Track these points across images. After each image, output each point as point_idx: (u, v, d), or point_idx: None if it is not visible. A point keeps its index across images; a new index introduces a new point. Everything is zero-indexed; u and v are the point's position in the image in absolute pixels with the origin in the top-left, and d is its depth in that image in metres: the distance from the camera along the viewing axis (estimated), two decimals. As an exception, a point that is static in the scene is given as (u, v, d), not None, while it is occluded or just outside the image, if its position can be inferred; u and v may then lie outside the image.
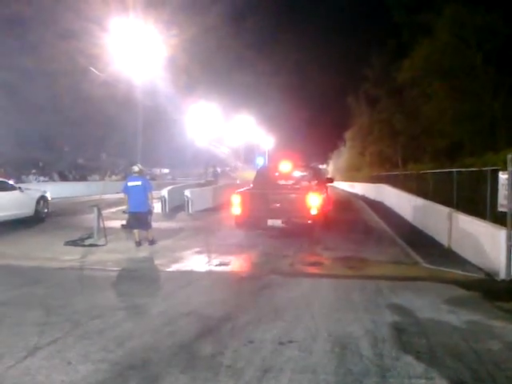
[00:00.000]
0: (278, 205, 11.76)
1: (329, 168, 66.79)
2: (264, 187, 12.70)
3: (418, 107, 24.62)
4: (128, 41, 24.83)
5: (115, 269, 8.51)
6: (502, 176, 9.08)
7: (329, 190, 14.97)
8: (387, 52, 33.40)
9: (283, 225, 11.48)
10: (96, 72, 27.71)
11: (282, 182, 13.39)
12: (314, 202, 11.57)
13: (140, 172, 11.06)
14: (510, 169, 8.03)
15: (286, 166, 13.51)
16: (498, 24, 18.57)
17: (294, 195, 12.00)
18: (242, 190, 13.01)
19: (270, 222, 11.52)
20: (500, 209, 9.25)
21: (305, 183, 13.41)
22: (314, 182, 13.48)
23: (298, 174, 13.85)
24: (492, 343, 4.95)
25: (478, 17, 19.59)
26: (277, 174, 13.67)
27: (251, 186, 13.79)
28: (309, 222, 11.51)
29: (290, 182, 13.39)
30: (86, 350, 4.66)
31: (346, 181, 44.09)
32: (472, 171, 12.81)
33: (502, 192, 9.11)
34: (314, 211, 11.50)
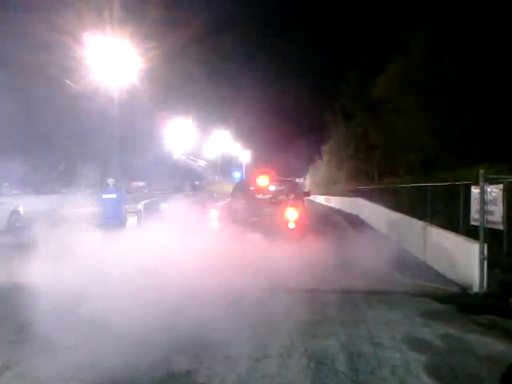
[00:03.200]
0: (255, 219, 11.83)
1: (306, 182, 67.18)
2: (242, 201, 12.70)
3: (392, 122, 25.02)
4: (104, 53, 24.70)
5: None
6: (475, 191, 9.27)
7: (305, 203, 14.97)
8: (363, 67, 33.92)
9: (261, 238, 11.41)
10: (72, 85, 27.46)
11: (259, 196, 13.37)
12: (292, 216, 11.69)
13: (115, 185, 10.96)
14: (481, 184, 8.20)
15: (263, 180, 13.42)
16: (469, 42, 19.04)
17: (271, 209, 12.07)
18: (220, 204, 13.31)
19: (249, 235, 11.46)
20: (473, 223, 9.43)
21: (282, 197, 13.40)
22: (291, 196, 13.49)
23: (275, 187, 13.77)
24: (466, 357, 4.99)
25: (451, 35, 20.08)
26: (253, 188, 13.63)
27: (229, 200, 13.76)
28: (287, 234, 11.55)
29: (268, 196, 13.36)
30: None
31: (322, 195, 44.40)
32: (445, 185, 12.98)
33: (475, 206, 9.29)
34: (291, 225, 11.62)
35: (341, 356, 4.92)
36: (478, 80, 18.85)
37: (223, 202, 13.28)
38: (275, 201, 13.07)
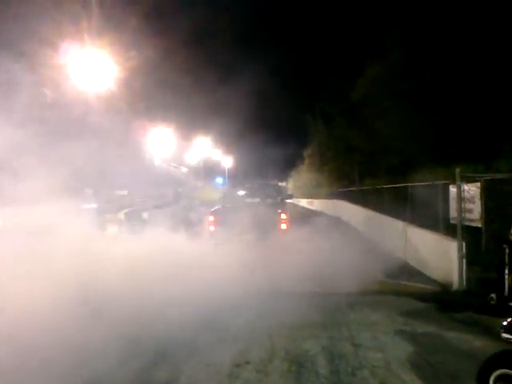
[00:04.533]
0: (246, 221, 12.36)
1: (289, 185, 67.27)
2: (234, 206, 13.80)
3: (371, 125, 25.22)
4: (83, 62, 24.45)
5: None
6: (453, 189, 9.36)
7: (288, 206, 16.03)
8: (342, 71, 34.20)
9: (255, 238, 12.04)
10: (47, 94, 27.15)
11: (248, 200, 14.47)
12: (283, 217, 12.82)
13: (94, 195, 10.86)
14: (458, 182, 8.30)
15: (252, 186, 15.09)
16: (444, 46, 19.33)
17: (260, 212, 12.83)
18: (215, 209, 14.10)
19: (243, 236, 12.03)
20: (452, 221, 9.51)
21: (269, 200, 14.30)
22: (278, 199, 14.67)
23: (262, 192, 14.93)
24: (446, 354, 5.03)
25: (425, 38, 20.37)
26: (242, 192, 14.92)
27: (220, 205, 14.70)
28: (278, 234, 12.41)
29: (257, 200, 14.34)
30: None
31: (305, 198, 44.51)
32: (424, 185, 13.10)
33: (453, 205, 9.39)
34: (283, 226, 12.70)
35: (322, 358, 4.91)
36: (453, 82, 19.12)
37: (215, 208, 14.22)
38: (263, 204, 13.94)
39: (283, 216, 12.99)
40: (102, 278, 7.54)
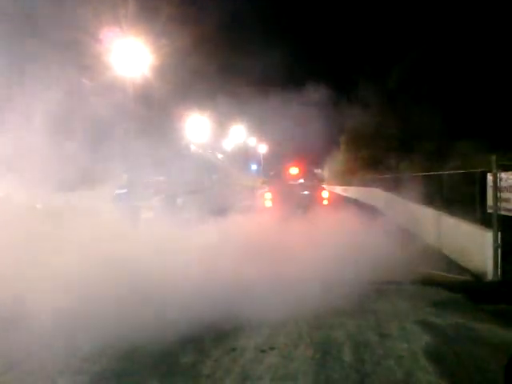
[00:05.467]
0: (297, 198, 15.82)
1: (324, 172, 66.70)
2: (283, 187, 16.96)
3: (407, 111, 24.81)
4: (120, 50, 24.80)
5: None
6: (490, 178, 9.11)
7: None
8: (379, 58, 33.56)
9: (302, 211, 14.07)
10: (87, 82, 27.67)
11: (291, 182, 17.64)
12: (325, 195, 16.79)
13: (129, 180, 11.07)
14: (494, 171, 8.07)
15: (293, 170, 18.18)
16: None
17: (308, 192, 16.77)
18: (269, 189, 17.72)
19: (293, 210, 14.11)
20: (489, 210, 9.27)
21: (307, 183, 17.69)
22: (315, 181, 18.31)
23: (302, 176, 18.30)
24: (475, 347, 4.94)
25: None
26: (286, 176, 18.13)
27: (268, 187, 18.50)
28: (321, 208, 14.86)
29: (298, 182, 17.74)
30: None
31: (340, 185, 44.12)
32: (461, 173, 12.81)
33: (491, 194, 9.13)
34: (325, 202, 16.32)
35: (347, 346, 4.91)
36: (491, 71, 18.58)
37: (268, 188, 18.04)
38: (302, 186, 17.50)
39: (324, 194, 16.91)
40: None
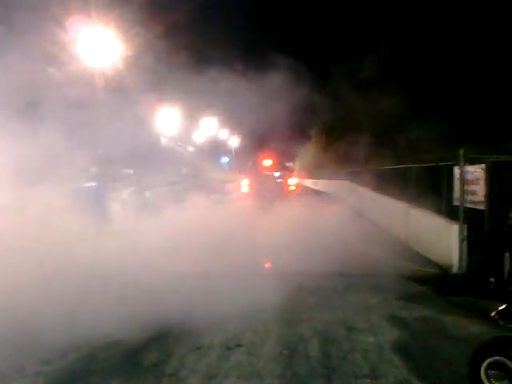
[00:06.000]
0: (270, 185, 19.56)
1: (295, 165, 66.89)
2: (257, 176, 20.37)
3: (379, 105, 24.95)
4: (89, 40, 24.20)
5: None
6: (457, 171, 9.20)
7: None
8: (351, 49, 33.71)
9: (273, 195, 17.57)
10: (55, 72, 26.95)
11: (265, 173, 21.12)
12: (292, 182, 21.11)
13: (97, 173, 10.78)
14: (461, 164, 8.14)
15: (267, 162, 22.02)
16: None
17: (279, 180, 20.78)
18: (247, 176, 20.86)
19: (267, 195, 17.78)
20: (455, 203, 9.37)
21: (281, 173, 21.44)
22: (286, 173, 21.79)
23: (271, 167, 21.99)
24: (440, 339, 4.96)
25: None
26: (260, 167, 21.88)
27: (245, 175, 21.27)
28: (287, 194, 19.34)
29: (271, 172, 21.36)
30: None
31: (311, 178, 44.30)
32: (429, 166, 12.92)
33: (457, 187, 9.23)
34: (292, 188, 20.73)
35: (314, 341, 4.86)
36: (461, 64, 18.84)
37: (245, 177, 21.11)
38: (274, 175, 21.13)
39: (291, 181, 20.95)
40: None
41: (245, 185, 20.10)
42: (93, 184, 10.39)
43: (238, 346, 4.78)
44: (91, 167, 10.89)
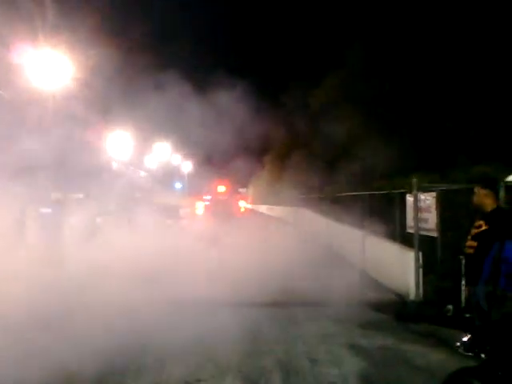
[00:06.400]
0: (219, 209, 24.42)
1: (249, 191, 67.11)
2: (212, 200, 24.33)
3: (333, 133, 25.47)
4: (38, 62, 23.57)
5: None
6: (410, 198, 9.41)
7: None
8: (303, 80, 34.44)
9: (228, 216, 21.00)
10: (3, 94, 26.01)
11: (219, 197, 25.89)
12: (241, 204, 25.81)
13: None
14: (414, 192, 8.31)
15: (221, 188, 26.51)
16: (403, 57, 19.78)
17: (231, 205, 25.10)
18: (202, 202, 25.59)
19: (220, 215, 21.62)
20: (409, 230, 9.56)
21: (233, 198, 24.79)
22: (238, 197, 25.74)
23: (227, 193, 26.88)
24: (402, 369, 4.92)
25: (384, 50, 20.90)
26: (215, 193, 25.53)
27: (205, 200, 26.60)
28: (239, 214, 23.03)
29: (224, 197, 25.99)
30: None
31: (265, 204, 44.47)
32: (382, 194, 13.19)
33: (410, 214, 9.42)
34: (242, 209, 25.69)
35: (276, 374, 4.70)
36: (410, 94, 19.52)
37: (201, 202, 25.94)
38: (227, 200, 25.37)
39: (241, 204, 26.21)
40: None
41: (200, 208, 23.80)
42: (48, 210, 10.10)
43: (198, 380, 4.56)
44: (49, 193, 10.68)
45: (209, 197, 28.37)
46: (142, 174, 50.51)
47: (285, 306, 7.63)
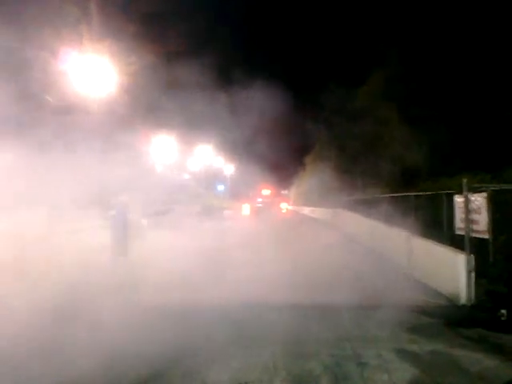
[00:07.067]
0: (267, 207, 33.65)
1: (291, 193, 67.00)
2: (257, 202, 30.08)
3: (374, 133, 25.09)
4: (84, 68, 24.31)
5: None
6: (458, 200, 9.12)
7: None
8: (345, 80, 34.09)
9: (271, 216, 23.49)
10: (50, 100, 26.92)
11: (263, 200, 30.83)
12: (283, 206, 33.40)
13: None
14: (465, 193, 8.06)
15: (265, 191, 31.69)
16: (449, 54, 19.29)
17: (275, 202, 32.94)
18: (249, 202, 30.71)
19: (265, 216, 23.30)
20: (457, 232, 9.27)
21: (277, 200, 31.72)
22: (281, 199, 34.44)
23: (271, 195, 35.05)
24: (454, 375, 4.77)
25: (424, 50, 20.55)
26: (260, 195, 32.08)
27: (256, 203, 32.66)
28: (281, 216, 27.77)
29: (268, 199, 32.21)
30: None
31: (308, 206, 44.25)
32: (429, 195, 12.87)
33: (459, 215, 9.14)
34: (284, 210, 32.95)
35: (325, 379, 4.64)
36: (458, 92, 18.99)
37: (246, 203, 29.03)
38: (271, 202, 28.93)
39: (283, 205, 34.87)
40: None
41: (244, 209, 25.75)
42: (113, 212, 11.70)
43: (246, 383, 4.56)
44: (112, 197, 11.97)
45: (260, 199, 30.94)
46: (186, 176, 51.25)
47: (331, 308, 7.53)
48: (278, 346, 5.57)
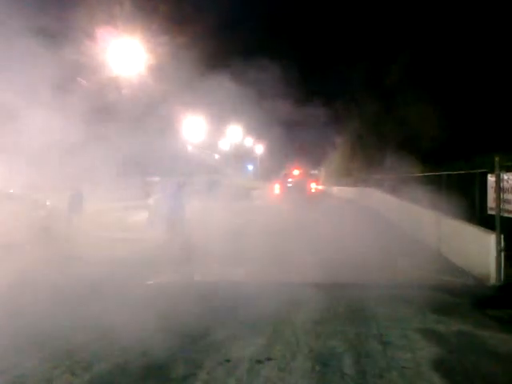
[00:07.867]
0: (297, 186, 27.25)
1: (321, 173, 66.59)
2: (288, 182, 28.14)
3: (404, 111, 24.68)
4: (116, 49, 24.50)
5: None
6: (491, 179, 8.91)
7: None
8: (375, 57, 33.44)
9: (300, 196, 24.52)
10: (83, 82, 27.28)
11: (294, 179, 28.51)
12: (313, 186, 28.53)
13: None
14: (496, 171, 7.85)
15: (295, 171, 29.40)
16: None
17: (304, 182, 28.02)
18: (280, 182, 28.58)
19: (294, 195, 25.02)
20: (489, 212, 9.07)
21: (305, 179, 28.67)
22: (310, 179, 29.57)
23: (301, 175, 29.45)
24: (482, 356, 4.69)
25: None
26: (291, 175, 29.26)
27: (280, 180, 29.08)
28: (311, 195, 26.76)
29: (299, 179, 28.53)
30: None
31: (337, 186, 43.97)
32: (461, 174, 12.58)
33: (491, 195, 8.93)
34: (313, 190, 28.24)
35: (348, 357, 4.65)
36: (488, 70, 18.46)
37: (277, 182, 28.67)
38: (301, 181, 28.20)
39: (312, 185, 28.64)
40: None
41: (277, 188, 27.11)
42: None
43: (269, 359, 4.61)
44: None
45: (290, 179, 29.85)
46: (216, 156, 51.40)
47: (357, 287, 7.52)
48: (301, 324, 5.60)
